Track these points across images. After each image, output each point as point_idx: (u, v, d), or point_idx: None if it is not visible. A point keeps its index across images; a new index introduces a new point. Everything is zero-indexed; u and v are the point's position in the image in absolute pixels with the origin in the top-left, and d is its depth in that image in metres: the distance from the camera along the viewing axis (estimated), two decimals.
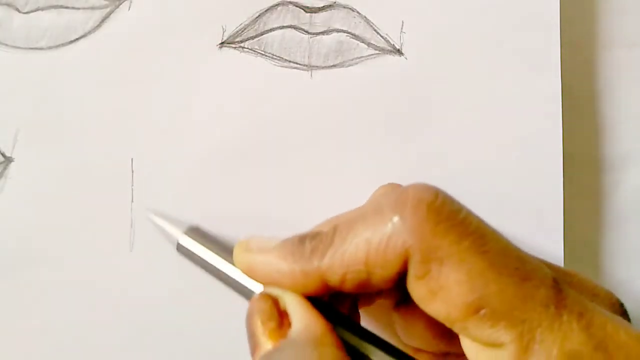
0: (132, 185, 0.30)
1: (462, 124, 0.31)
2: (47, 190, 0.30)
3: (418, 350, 0.26)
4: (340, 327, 0.24)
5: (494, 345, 0.21)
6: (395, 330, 0.27)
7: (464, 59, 0.31)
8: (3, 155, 0.30)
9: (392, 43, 0.31)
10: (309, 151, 0.31)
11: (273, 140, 0.30)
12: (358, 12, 0.31)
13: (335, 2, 0.31)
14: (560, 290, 0.22)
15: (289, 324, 0.23)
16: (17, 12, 0.30)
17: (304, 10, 0.30)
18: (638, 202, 0.34)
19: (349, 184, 0.30)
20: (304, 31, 0.30)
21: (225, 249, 0.27)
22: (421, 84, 0.31)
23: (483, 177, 0.31)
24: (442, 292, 0.22)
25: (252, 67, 0.30)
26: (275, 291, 0.24)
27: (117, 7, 0.30)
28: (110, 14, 0.30)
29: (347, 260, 0.23)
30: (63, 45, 0.30)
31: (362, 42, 0.31)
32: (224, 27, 0.30)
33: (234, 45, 0.30)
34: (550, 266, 0.24)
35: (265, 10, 0.30)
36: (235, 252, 0.26)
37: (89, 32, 0.30)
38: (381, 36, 0.31)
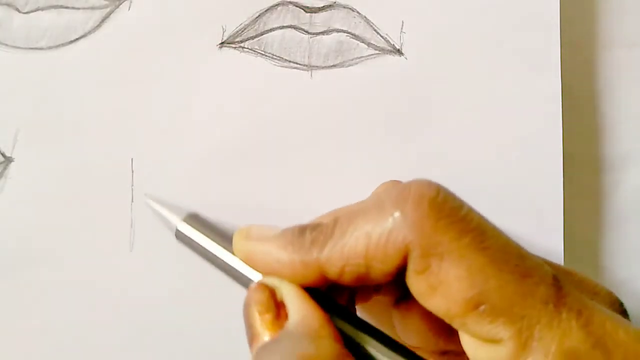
0: (132, 185, 0.30)
1: (462, 124, 0.31)
2: (47, 190, 0.30)
3: (417, 348, 0.26)
4: (337, 318, 0.24)
5: (493, 341, 0.21)
6: (394, 328, 0.27)
7: (464, 59, 0.31)
8: (3, 155, 0.30)
9: (392, 43, 0.31)
10: (309, 151, 0.31)
11: (273, 140, 0.30)
12: (358, 12, 0.31)
13: (335, 2, 0.31)
14: (560, 287, 0.22)
15: (286, 315, 0.23)
16: (17, 12, 0.30)
17: (304, 10, 0.30)
18: (638, 202, 0.34)
19: (349, 184, 0.30)
20: (304, 31, 0.30)
21: (224, 237, 0.27)
22: (421, 84, 0.31)
23: (483, 177, 0.31)
24: (441, 287, 0.22)
25: (252, 67, 0.30)
26: (272, 281, 0.24)
27: (117, 7, 0.30)
28: (110, 14, 0.30)
29: (346, 253, 0.23)
30: (63, 45, 0.30)
31: (362, 42, 0.31)
32: (224, 27, 0.30)
33: (234, 45, 0.30)
34: (550, 264, 0.24)
35: (265, 10, 0.30)
36: (235, 239, 0.26)
37: (89, 32, 0.30)
38: (381, 36, 0.31)
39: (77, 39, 0.30)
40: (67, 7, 0.30)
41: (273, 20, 0.30)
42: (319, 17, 0.30)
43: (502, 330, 0.21)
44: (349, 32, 0.30)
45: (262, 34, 0.30)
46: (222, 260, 0.26)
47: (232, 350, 0.30)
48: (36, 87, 0.30)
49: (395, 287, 0.27)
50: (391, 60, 0.31)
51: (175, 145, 0.30)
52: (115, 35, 0.30)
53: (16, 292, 0.30)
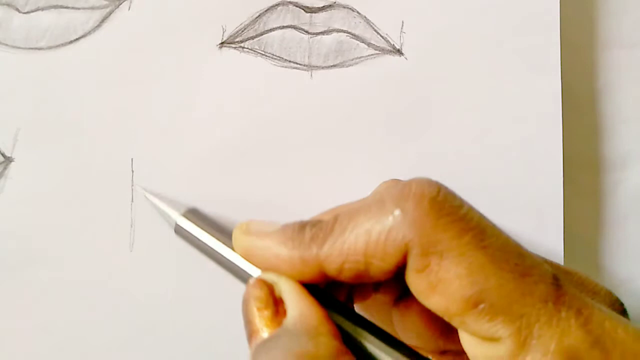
0: (132, 185, 0.30)
1: (462, 124, 0.31)
2: (47, 190, 0.30)
3: (416, 347, 0.26)
4: (336, 314, 0.24)
5: (492, 339, 0.21)
6: (394, 327, 0.27)
7: (464, 59, 0.31)
8: (3, 155, 0.30)
9: (392, 43, 0.31)
10: (309, 151, 0.31)
11: (273, 140, 0.30)
12: (358, 12, 0.31)
13: (335, 2, 0.31)
14: (560, 286, 0.22)
15: (285, 312, 0.23)
16: (17, 12, 0.30)
17: (304, 10, 0.30)
18: (638, 202, 0.34)
19: (348, 183, 0.30)
20: (304, 31, 0.30)
21: (223, 232, 0.27)
22: (421, 84, 0.31)
23: (483, 177, 0.31)
24: (441, 285, 0.22)
25: (252, 67, 0.30)
26: (270, 277, 0.24)
27: (117, 7, 0.30)
28: (110, 14, 0.30)
29: (346, 250, 0.23)
30: (63, 45, 0.30)
31: (362, 42, 0.31)
32: (224, 27, 0.30)
33: (234, 45, 0.30)
34: (550, 264, 0.24)
35: (265, 10, 0.30)
36: (235, 234, 0.26)
37: (89, 32, 0.30)
38: (381, 36, 0.31)
39: (77, 39, 0.30)
40: (67, 7, 0.30)
41: (273, 20, 0.30)
42: (319, 17, 0.30)
43: (501, 329, 0.21)
44: (349, 32, 0.31)
45: (262, 34, 0.30)
46: (221, 255, 0.26)
47: (232, 350, 0.30)
48: (36, 87, 0.30)
49: (395, 286, 0.27)
50: (391, 60, 0.31)
51: (175, 145, 0.30)
52: (115, 35, 0.30)
53: (16, 292, 0.30)
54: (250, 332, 0.24)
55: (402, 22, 0.31)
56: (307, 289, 0.24)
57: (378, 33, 0.31)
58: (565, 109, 0.31)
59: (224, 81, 0.30)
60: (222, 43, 0.30)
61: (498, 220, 0.23)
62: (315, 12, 0.30)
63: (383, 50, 0.31)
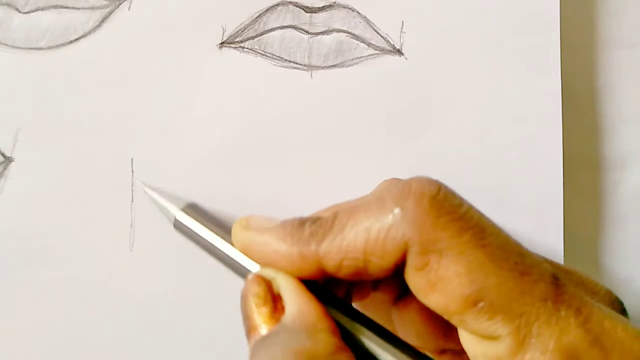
0: (132, 185, 0.30)
1: (462, 124, 0.31)
2: (47, 190, 0.30)
3: (416, 347, 0.26)
4: (334, 310, 0.24)
5: (491, 337, 0.21)
6: (393, 327, 0.27)
7: (464, 59, 0.31)
8: (3, 155, 0.30)
9: (392, 43, 0.31)
10: (309, 151, 0.31)
11: (273, 140, 0.30)
12: (358, 12, 0.31)
13: (335, 2, 0.31)
14: (559, 285, 0.22)
15: (283, 308, 0.23)
16: (17, 12, 0.30)
17: (304, 10, 0.30)
18: (638, 202, 0.34)
19: (348, 183, 0.30)
20: (304, 31, 0.30)
21: (222, 227, 0.27)
22: (421, 84, 0.31)
23: (483, 177, 0.31)
24: (440, 283, 0.22)
25: (252, 67, 0.30)
26: (269, 273, 0.24)
27: (117, 7, 0.30)
28: (110, 14, 0.30)
29: (345, 247, 0.23)
30: (63, 45, 0.30)
31: (362, 42, 0.31)
32: (224, 27, 0.30)
33: (234, 45, 0.30)
34: (550, 263, 0.24)
35: (265, 10, 0.30)
36: (234, 229, 0.26)
37: (89, 32, 0.30)
38: (381, 36, 0.31)
39: (77, 39, 0.30)
40: (67, 7, 0.30)
41: (273, 20, 0.30)
42: (319, 17, 0.30)
43: (500, 327, 0.21)
44: (349, 32, 0.31)
45: (262, 34, 0.30)
46: (220, 250, 0.26)
47: (232, 349, 0.30)
48: (36, 87, 0.30)
49: (394, 285, 0.27)
50: (391, 60, 0.31)
51: (176, 145, 0.30)
52: (115, 35, 0.30)
53: (16, 292, 0.30)
54: (249, 328, 0.24)
55: (402, 22, 0.31)
56: (306, 285, 0.24)
57: (378, 33, 0.31)
58: (565, 109, 0.31)
59: (224, 81, 0.30)
60: (222, 43, 0.30)
61: (498, 220, 0.23)
62: (315, 12, 0.30)
63: (383, 50, 0.31)
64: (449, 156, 0.31)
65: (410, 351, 0.23)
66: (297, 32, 0.30)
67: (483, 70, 0.31)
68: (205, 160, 0.30)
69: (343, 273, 0.23)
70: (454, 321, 0.22)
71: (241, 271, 0.26)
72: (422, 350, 0.24)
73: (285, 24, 0.30)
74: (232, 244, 0.26)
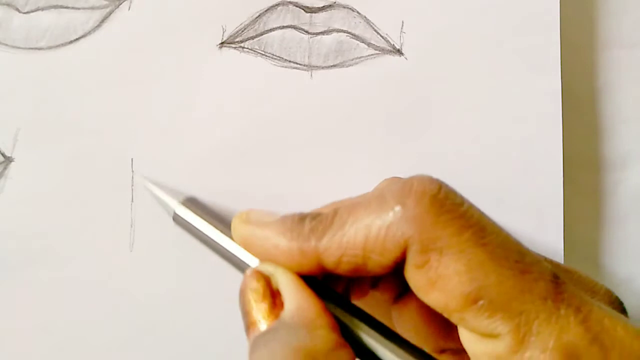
0: (132, 185, 0.30)
1: (462, 124, 0.31)
2: (47, 190, 0.30)
3: None
4: (333, 306, 0.24)
5: (491, 335, 0.21)
6: (393, 326, 0.27)
7: (464, 59, 0.31)
8: (3, 155, 0.30)
9: (392, 43, 0.31)
10: (309, 151, 0.31)
11: (273, 141, 0.30)
12: (358, 12, 0.31)
13: (335, 2, 0.31)
14: (559, 284, 0.22)
15: (282, 304, 0.23)
16: (17, 12, 0.30)
17: (304, 10, 0.30)
18: (638, 202, 0.34)
19: (348, 184, 0.30)
20: (304, 31, 0.30)
21: (221, 221, 0.27)
22: (421, 84, 0.31)
23: (483, 177, 0.31)
24: (440, 281, 0.22)
25: (252, 67, 0.30)
26: (267, 269, 0.24)
27: (117, 7, 0.30)
28: (110, 14, 0.30)
29: (344, 244, 0.23)
30: (63, 45, 0.30)
31: (362, 42, 0.31)
32: (224, 27, 0.30)
33: (234, 45, 0.30)
34: (550, 262, 0.24)
35: (265, 10, 0.30)
36: (234, 222, 0.26)
37: (89, 32, 0.30)
38: (381, 36, 0.31)
39: (77, 39, 0.30)
40: (67, 7, 0.30)
41: (273, 20, 0.30)
42: (319, 17, 0.30)
43: (500, 325, 0.21)
44: (349, 32, 0.31)
45: (262, 34, 0.30)
46: (220, 244, 0.26)
47: (232, 349, 0.30)
48: (36, 87, 0.30)
49: (394, 284, 0.27)
50: (391, 60, 0.31)
51: (175, 145, 0.30)
52: (115, 35, 0.30)
53: (16, 292, 0.30)
54: (248, 324, 0.24)
55: (402, 22, 0.31)
56: (305, 280, 0.24)
57: (378, 33, 0.31)
58: (565, 109, 0.31)
59: (224, 81, 0.30)
60: (222, 43, 0.30)
61: (498, 220, 0.23)
62: (315, 12, 0.30)
63: (383, 50, 0.31)
64: (449, 156, 0.31)
65: (408, 347, 0.23)
66: (297, 32, 0.30)
67: (483, 70, 0.31)
68: (205, 160, 0.30)
69: (342, 269, 0.23)
70: (453, 319, 0.22)
71: (240, 265, 0.26)
72: None
73: (285, 24, 0.30)
74: (231, 238, 0.26)
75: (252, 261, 0.25)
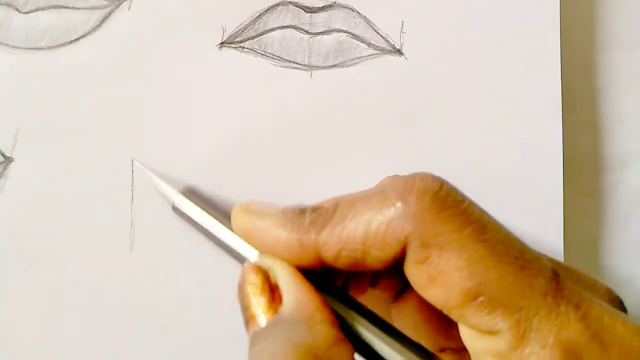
0: (132, 185, 0.30)
1: (462, 124, 0.31)
2: (47, 190, 0.30)
3: None
4: (332, 299, 0.24)
5: (491, 332, 0.21)
6: (393, 324, 0.27)
7: (464, 59, 0.31)
8: (3, 155, 0.30)
9: (392, 43, 0.31)
10: (308, 151, 0.31)
11: (273, 141, 0.30)
12: (358, 12, 0.31)
13: (335, 2, 0.31)
14: (559, 281, 0.22)
15: (280, 298, 0.23)
16: (17, 12, 0.30)
17: (304, 10, 0.30)
18: (638, 202, 0.34)
19: (348, 183, 0.30)
20: (304, 31, 0.30)
21: (221, 212, 0.27)
22: (421, 84, 0.31)
23: (483, 177, 0.31)
24: (441, 277, 0.22)
25: (252, 67, 0.30)
26: (265, 263, 0.24)
27: (117, 7, 0.30)
28: (110, 14, 0.30)
29: (344, 238, 0.23)
30: (63, 45, 0.30)
31: (362, 42, 0.31)
32: (224, 27, 0.30)
33: (234, 45, 0.30)
34: (550, 260, 0.24)
35: (265, 10, 0.30)
36: (234, 212, 0.26)
37: (89, 32, 0.30)
38: (381, 36, 0.31)
39: (77, 39, 0.30)
40: (67, 7, 0.30)
41: (273, 20, 0.30)
42: (319, 17, 0.30)
43: (500, 322, 0.21)
44: (349, 32, 0.31)
45: (262, 34, 0.30)
46: (219, 234, 0.26)
47: (232, 350, 0.30)
48: (36, 87, 0.30)
49: (393, 282, 0.27)
50: (391, 60, 0.31)
51: (175, 145, 0.30)
52: (115, 35, 0.30)
53: (16, 292, 0.30)
54: (247, 318, 0.24)
55: (402, 22, 0.31)
56: (304, 274, 0.24)
57: (378, 33, 0.31)
58: (565, 109, 0.31)
59: (224, 81, 0.30)
60: (222, 43, 0.30)
61: (498, 220, 0.23)
62: (315, 12, 0.30)
63: (383, 50, 0.31)
64: (449, 156, 0.31)
65: (407, 342, 0.23)
66: (297, 32, 0.30)
67: (483, 71, 0.31)
68: (205, 160, 0.30)
69: (341, 263, 0.23)
70: (453, 316, 0.22)
71: (239, 257, 0.25)
72: None
73: (285, 24, 0.30)
74: (230, 228, 0.26)
75: (251, 252, 0.25)
